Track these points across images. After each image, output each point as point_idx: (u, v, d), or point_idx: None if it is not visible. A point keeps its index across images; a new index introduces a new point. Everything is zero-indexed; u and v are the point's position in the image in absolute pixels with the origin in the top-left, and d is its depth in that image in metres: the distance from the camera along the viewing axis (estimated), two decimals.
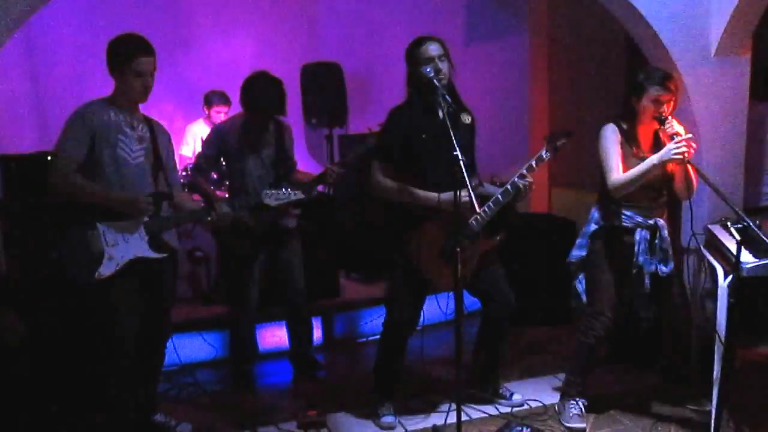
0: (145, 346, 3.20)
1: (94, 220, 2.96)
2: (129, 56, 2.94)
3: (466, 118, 3.35)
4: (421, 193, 3.22)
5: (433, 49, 3.18)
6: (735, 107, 3.82)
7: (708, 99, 3.76)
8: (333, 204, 5.12)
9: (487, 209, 3.22)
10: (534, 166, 3.15)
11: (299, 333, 4.16)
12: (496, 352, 3.63)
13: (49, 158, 4.20)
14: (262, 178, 3.81)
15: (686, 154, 3.01)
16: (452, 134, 2.79)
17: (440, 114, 3.08)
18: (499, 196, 3.20)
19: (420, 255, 3.26)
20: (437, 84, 3.05)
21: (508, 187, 3.17)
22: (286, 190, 3.35)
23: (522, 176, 3.15)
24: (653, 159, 3.09)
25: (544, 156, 3.15)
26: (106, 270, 2.94)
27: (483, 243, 3.34)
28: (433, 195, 3.20)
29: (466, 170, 2.71)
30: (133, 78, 2.96)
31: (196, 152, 5.63)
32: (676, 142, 3.02)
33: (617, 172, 3.18)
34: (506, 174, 5.32)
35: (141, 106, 3.15)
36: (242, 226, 3.74)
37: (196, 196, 4.01)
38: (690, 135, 3.06)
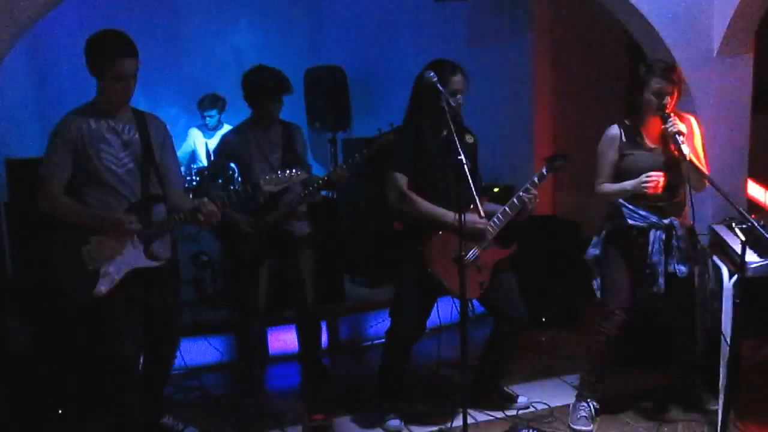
0: (153, 353, 3.15)
1: (86, 234, 2.82)
2: (108, 58, 2.76)
3: (470, 138, 3.45)
4: (446, 214, 3.22)
5: (464, 83, 3.27)
6: (738, 106, 3.82)
7: (711, 98, 3.77)
8: (337, 208, 5.13)
9: (496, 220, 3.35)
10: (537, 182, 3.34)
11: (308, 339, 4.14)
12: (504, 360, 3.64)
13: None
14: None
15: (651, 190, 3.13)
16: (457, 143, 2.82)
17: (444, 132, 3.28)
18: (507, 208, 3.34)
19: (434, 260, 3.27)
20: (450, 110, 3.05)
21: (515, 200, 3.33)
22: (284, 172, 3.22)
23: (527, 190, 3.30)
24: (627, 185, 3.21)
25: (545, 173, 3.36)
26: (103, 287, 2.82)
27: (494, 253, 3.39)
28: (450, 216, 3.22)
29: (471, 178, 2.79)
30: (114, 81, 2.79)
31: (202, 157, 5.68)
32: (644, 182, 3.12)
33: (603, 180, 3.29)
34: (510, 178, 5.36)
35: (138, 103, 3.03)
36: (243, 231, 3.73)
37: None
38: (659, 175, 3.13)
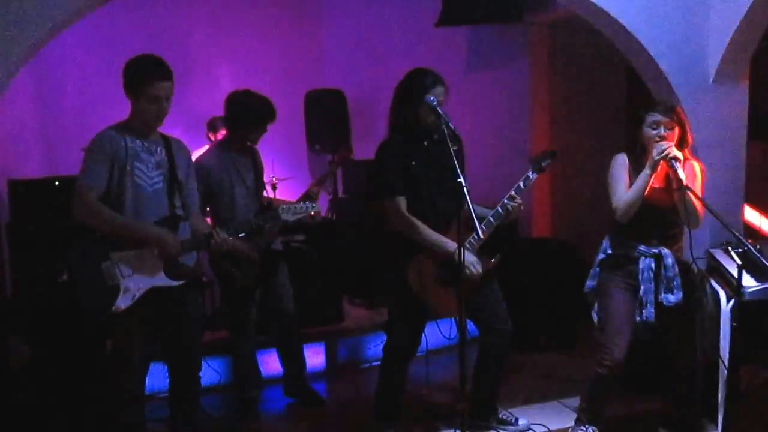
0: (174, 371, 3.13)
1: (107, 249, 2.87)
2: (144, 80, 2.87)
3: (455, 146, 3.42)
4: (448, 243, 3.22)
5: (444, 94, 3.24)
6: (734, 133, 3.87)
7: (707, 125, 3.81)
8: (335, 229, 5.16)
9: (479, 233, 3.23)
10: (522, 187, 3.29)
11: (293, 358, 4.11)
12: (496, 379, 3.62)
13: (56, 183, 4.25)
14: (249, 206, 3.77)
15: (670, 153, 3.07)
16: (451, 166, 2.86)
17: (425, 143, 3.29)
18: (491, 218, 3.29)
19: (419, 282, 3.28)
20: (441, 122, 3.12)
21: (499, 209, 3.28)
22: (303, 204, 3.38)
23: (511, 198, 3.27)
24: (645, 172, 3.14)
25: (531, 177, 3.31)
26: (122, 303, 2.84)
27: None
28: (451, 245, 3.20)
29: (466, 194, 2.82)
30: (148, 102, 2.89)
31: None
32: (658, 144, 3.10)
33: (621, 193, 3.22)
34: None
35: None
36: (252, 257, 3.72)
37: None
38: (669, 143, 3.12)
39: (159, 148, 3.01)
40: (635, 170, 3.25)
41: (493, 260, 3.38)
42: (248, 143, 3.84)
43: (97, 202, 2.85)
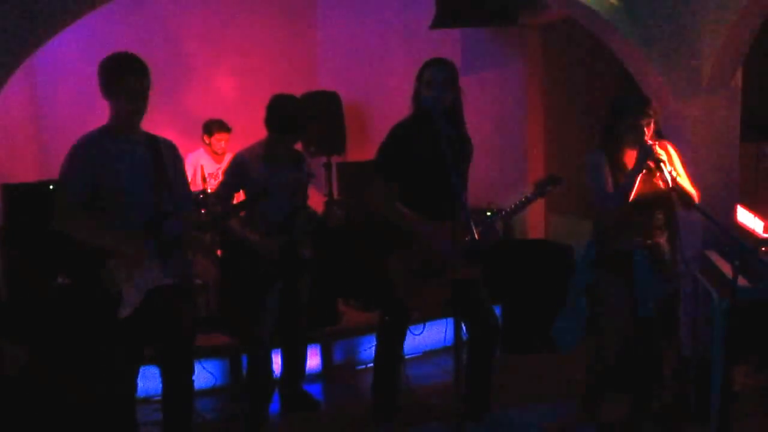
0: (169, 382, 3.11)
1: (103, 256, 2.83)
2: (115, 76, 2.82)
3: (465, 146, 3.44)
4: (416, 220, 3.26)
5: (436, 73, 3.25)
6: (727, 135, 3.89)
7: (701, 127, 3.83)
8: (331, 231, 5.15)
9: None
10: (520, 206, 3.28)
11: (297, 364, 4.08)
12: (487, 376, 3.60)
13: (50, 188, 4.24)
14: (282, 207, 3.76)
15: (657, 155, 3.07)
16: (451, 163, 2.86)
17: (442, 135, 3.23)
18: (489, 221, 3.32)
19: (398, 281, 3.30)
20: (432, 110, 3.16)
21: (491, 215, 3.36)
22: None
23: (508, 214, 3.29)
24: (633, 169, 3.13)
25: (531, 198, 3.30)
26: (125, 310, 2.82)
27: (462, 271, 3.30)
28: (427, 226, 3.25)
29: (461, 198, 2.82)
30: (121, 100, 2.84)
31: (197, 181, 5.70)
32: (647, 147, 3.08)
33: (608, 194, 3.19)
34: (504, 201, 5.40)
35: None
36: (261, 252, 3.67)
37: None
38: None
39: (140, 147, 2.96)
40: (613, 167, 3.21)
41: (474, 269, 3.36)
42: (293, 149, 3.84)
43: (72, 211, 2.83)
